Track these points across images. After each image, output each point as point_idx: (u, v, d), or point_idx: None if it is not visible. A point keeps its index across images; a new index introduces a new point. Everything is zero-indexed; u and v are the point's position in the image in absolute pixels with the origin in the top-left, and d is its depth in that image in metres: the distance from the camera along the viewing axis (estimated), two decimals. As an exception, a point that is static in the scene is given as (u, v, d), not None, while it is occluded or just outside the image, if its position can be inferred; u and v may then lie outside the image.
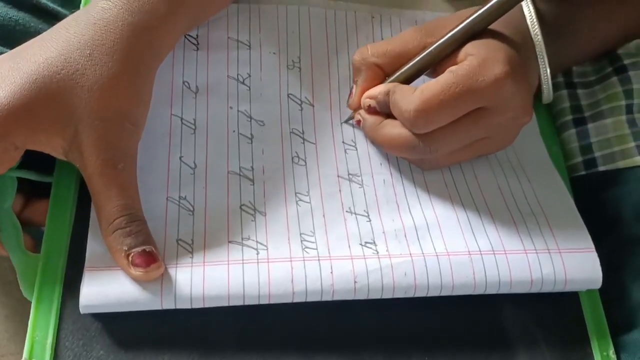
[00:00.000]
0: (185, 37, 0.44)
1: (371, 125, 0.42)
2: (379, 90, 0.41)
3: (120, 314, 0.35)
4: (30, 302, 0.37)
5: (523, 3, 0.41)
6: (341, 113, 0.44)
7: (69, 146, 0.35)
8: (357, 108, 0.43)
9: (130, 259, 0.35)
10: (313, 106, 0.44)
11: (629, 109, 0.47)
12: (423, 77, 0.42)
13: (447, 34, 0.40)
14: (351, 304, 0.38)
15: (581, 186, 0.47)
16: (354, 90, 0.43)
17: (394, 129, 0.40)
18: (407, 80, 0.41)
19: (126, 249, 0.35)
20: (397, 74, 0.41)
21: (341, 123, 0.44)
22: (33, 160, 0.38)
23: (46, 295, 0.36)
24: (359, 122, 0.43)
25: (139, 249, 0.35)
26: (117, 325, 0.36)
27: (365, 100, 0.42)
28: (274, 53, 0.45)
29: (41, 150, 0.36)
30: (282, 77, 0.44)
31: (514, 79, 0.38)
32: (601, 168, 0.47)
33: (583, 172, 0.48)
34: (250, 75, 0.44)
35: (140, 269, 0.35)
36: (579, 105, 0.49)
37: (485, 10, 0.39)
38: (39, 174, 0.40)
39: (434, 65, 0.41)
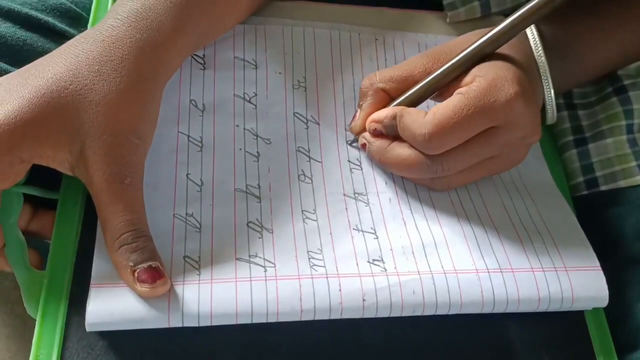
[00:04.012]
0: (192, 56, 0.44)
1: (378, 148, 0.42)
2: (385, 113, 0.41)
3: (126, 332, 0.35)
4: (33, 321, 0.36)
5: None
6: (347, 132, 0.44)
7: (75, 161, 0.35)
8: (360, 132, 0.43)
9: (136, 274, 0.34)
10: (319, 125, 0.44)
11: (630, 129, 0.47)
12: (428, 100, 0.42)
13: (453, 58, 0.40)
14: (355, 320, 0.37)
15: (583, 206, 0.47)
16: (357, 114, 0.43)
17: (403, 150, 0.40)
18: (413, 103, 0.41)
19: (132, 264, 0.34)
20: (404, 96, 0.42)
21: (346, 142, 0.44)
22: (39, 176, 0.38)
23: (51, 313, 0.36)
24: (364, 145, 0.43)
25: (144, 264, 0.34)
26: (123, 344, 0.36)
27: (371, 125, 0.42)
28: (279, 73, 0.45)
29: (47, 164, 0.36)
30: (288, 96, 0.45)
31: (525, 98, 0.38)
32: (603, 187, 0.47)
33: (585, 192, 0.48)
34: (256, 94, 0.44)
35: (146, 285, 0.34)
36: (580, 126, 0.50)
37: (492, 35, 0.40)
38: (44, 190, 0.39)
39: (441, 88, 0.41)
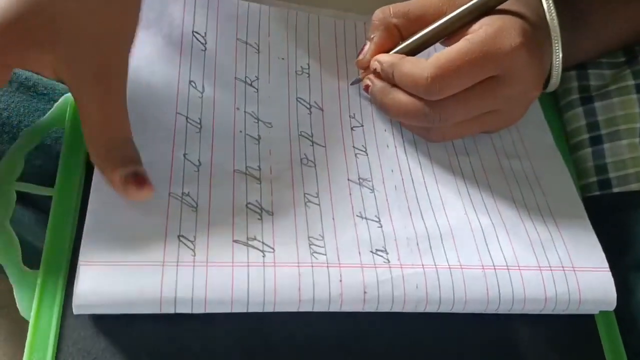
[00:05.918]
0: (193, 34, 0.43)
1: (381, 89, 0.41)
2: (386, 59, 0.41)
3: (124, 334, 0.33)
4: (28, 323, 0.34)
5: None
6: (351, 120, 0.43)
7: (57, 63, 0.34)
8: (365, 67, 0.43)
9: (125, 178, 0.34)
10: (322, 110, 0.43)
11: None
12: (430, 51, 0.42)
13: (467, 3, 0.40)
14: (357, 313, 0.36)
15: (595, 207, 0.45)
16: (366, 48, 0.43)
17: (403, 96, 0.40)
18: (420, 47, 0.41)
19: (120, 165, 0.34)
20: (411, 40, 0.41)
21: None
22: (33, 173, 0.37)
23: (44, 315, 0.34)
24: (367, 87, 0.43)
25: (132, 168, 0.34)
26: (121, 347, 0.34)
27: (374, 63, 0.41)
28: (282, 58, 0.44)
29: (31, 69, 0.35)
30: (291, 81, 0.44)
31: (529, 49, 0.38)
32: (615, 190, 0.46)
33: (597, 193, 0.47)
34: (258, 78, 0.43)
35: (133, 187, 0.33)
36: (596, 122, 0.48)
37: None
38: (38, 187, 0.38)
39: (449, 34, 0.40)
